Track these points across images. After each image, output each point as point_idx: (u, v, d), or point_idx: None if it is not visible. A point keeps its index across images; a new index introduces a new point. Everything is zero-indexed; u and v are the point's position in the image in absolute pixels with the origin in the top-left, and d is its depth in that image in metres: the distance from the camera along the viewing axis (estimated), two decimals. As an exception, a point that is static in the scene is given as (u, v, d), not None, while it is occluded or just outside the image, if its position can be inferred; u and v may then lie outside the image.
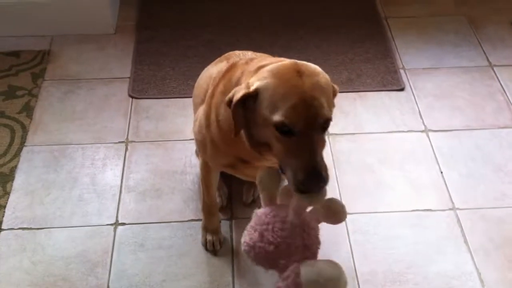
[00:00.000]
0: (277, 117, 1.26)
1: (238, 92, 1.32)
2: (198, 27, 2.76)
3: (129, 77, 2.50)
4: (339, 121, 2.33)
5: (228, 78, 1.50)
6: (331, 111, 1.31)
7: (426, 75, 2.55)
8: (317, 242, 1.43)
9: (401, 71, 2.56)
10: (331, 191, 2.07)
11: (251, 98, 1.31)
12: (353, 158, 2.21)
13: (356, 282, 1.84)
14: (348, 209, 1.98)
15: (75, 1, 2.61)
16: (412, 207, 2.05)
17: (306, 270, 1.31)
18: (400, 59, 2.62)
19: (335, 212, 1.44)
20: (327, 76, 1.35)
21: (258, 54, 1.64)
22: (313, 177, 1.26)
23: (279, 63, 1.35)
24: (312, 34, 2.73)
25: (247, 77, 1.39)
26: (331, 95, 1.34)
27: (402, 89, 2.47)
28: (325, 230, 1.94)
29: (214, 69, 1.66)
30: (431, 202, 2.07)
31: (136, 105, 2.39)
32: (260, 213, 1.42)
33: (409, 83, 2.51)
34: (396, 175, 2.15)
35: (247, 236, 1.40)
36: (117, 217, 2.00)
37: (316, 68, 1.35)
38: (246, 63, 1.50)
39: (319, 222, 1.46)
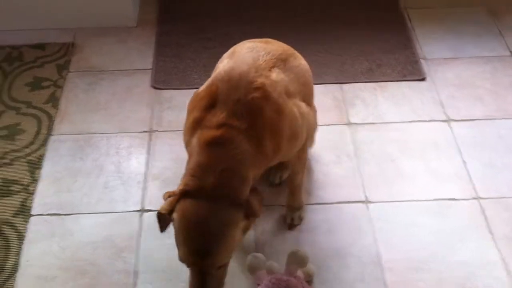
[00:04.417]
0: (179, 254, 1.46)
1: (162, 206, 1.48)
2: (217, 19, 2.79)
3: (151, 69, 2.54)
4: (360, 111, 2.35)
5: (203, 107, 1.56)
6: (227, 255, 1.46)
7: (446, 65, 2.55)
8: None
9: (422, 61, 2.56)
10: (353, 180, 2.10)
11: None
12: (374, 148, 2.22)
13: (380, 270, 1.85)
14: (371, 197, 2.07)
15: (98, -5, 2.66)
16: (434, 196, 2.06)
17: None
18: (421, 49, 2.62)
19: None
20: (236, 219, 1.43)
21: (269, 47, 1.67)
22: None
23: (194, 207, 1.44)
24: (331, 25, 2.74)
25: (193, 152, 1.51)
26: (230, 237, 1.43)
27: (423, 79, 2.48)
28: (348, 217, 1.99)
29: (218, 66, 1.71)
30: (454, 191, 2.07)
31: (158, 95, 2.43)
32: (267, 286, 1.68)
33: (430, 73, 2.51)
34: (418, 165, 2.16)
35: None
36: (142, 203, 2.03)
37: (224, 220, 1.42)
38: (212, 110, 1.53)
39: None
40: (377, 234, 1.94)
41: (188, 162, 1.53)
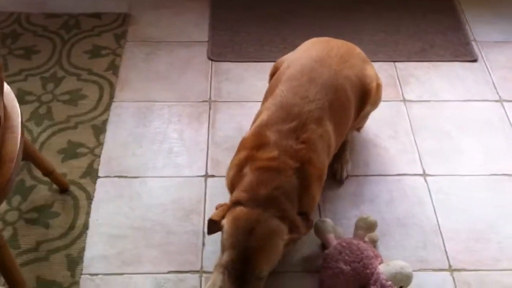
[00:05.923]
0: (223, 258, 1.53)
1: (215, 213, 1.59)
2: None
3: (207, 41, 2.58)
4: (415, 88, 2.40)
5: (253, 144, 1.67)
6: (267, 265, 1.52)
7: (498, 48, 2.59)
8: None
9: (473, 43, 2.60)
10: (411, 154, 2.15)
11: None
12: (430, 124, 2.27)
13: (441, 239, 1.91)
14: (429, 171, 2.12)
15: (153, -34, 2.70)
16: (490, 172, 2.11)
17: (386, 268, 1.70)
18: (471, 31, 2.66)
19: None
20: (281, 229, 1.52)
21: (319, 88, 1.74)
22: None
23: (244, 213, 1.52)
24: (385, 7, 2.77)
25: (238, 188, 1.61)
26: (274, 246, 1.52)
27: (475, 61, 2.52)
28: (408, 189, 2.05)
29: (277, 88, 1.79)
30: (509, 167, 2.13)
31: (216, 67, 2.47)
32: (336, 249, 1.74)
33: (482, 55, 2.55)
34: (473, 141, 2.21)
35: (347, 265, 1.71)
36: (206, 169, 2.08)
37: (271, 227, 1.51)
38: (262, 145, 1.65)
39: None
40: (437, 206, 2.00)
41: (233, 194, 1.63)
